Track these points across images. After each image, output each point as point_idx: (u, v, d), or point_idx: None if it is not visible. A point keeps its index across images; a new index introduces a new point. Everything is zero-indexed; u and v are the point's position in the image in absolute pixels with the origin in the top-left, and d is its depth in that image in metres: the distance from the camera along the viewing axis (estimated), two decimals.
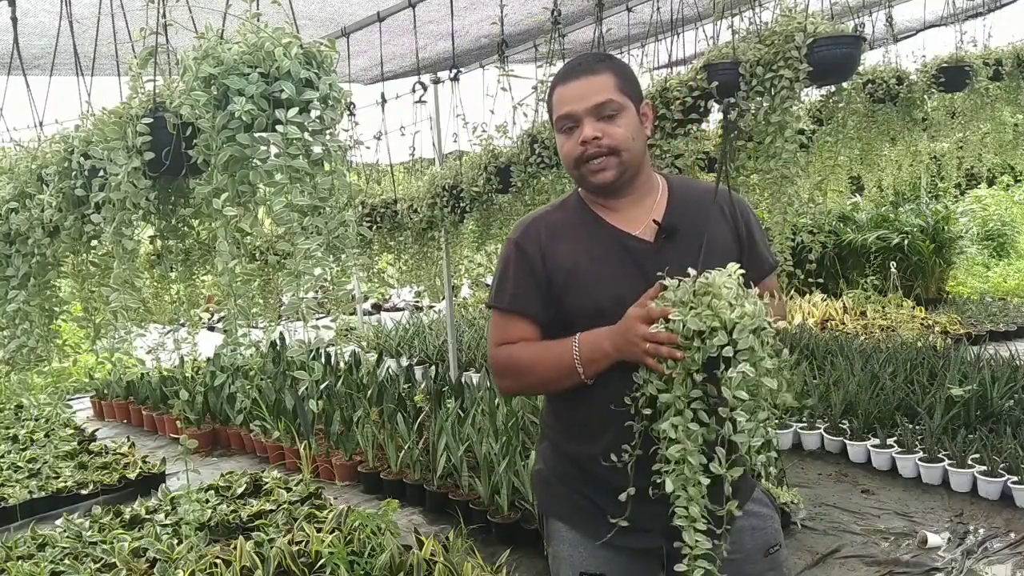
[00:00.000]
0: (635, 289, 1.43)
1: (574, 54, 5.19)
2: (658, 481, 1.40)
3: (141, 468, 4.58)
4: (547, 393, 1.65)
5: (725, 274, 1.35)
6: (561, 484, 1.64)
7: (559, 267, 1.56)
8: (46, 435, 5.21)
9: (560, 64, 3.55)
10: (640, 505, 1.46)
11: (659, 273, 1.41)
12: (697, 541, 1.36)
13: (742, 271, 1.37)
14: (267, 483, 3.96)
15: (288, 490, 3.81)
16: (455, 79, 4.38)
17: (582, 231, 1.59)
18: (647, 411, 1.40)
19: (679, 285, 1.37)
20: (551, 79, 1.67)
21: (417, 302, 11.20)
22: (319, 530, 3.09)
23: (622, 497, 1.45)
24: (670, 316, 1.33)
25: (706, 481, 1.34)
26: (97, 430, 5.78)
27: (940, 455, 3.87)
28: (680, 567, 1.38)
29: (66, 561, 3.14)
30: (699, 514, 1.36)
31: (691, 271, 1.38)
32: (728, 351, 1.28)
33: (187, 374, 6.11)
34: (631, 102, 1.54)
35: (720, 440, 1.33)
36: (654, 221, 1.55)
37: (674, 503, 1.38)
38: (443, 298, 5.93)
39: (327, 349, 6.52)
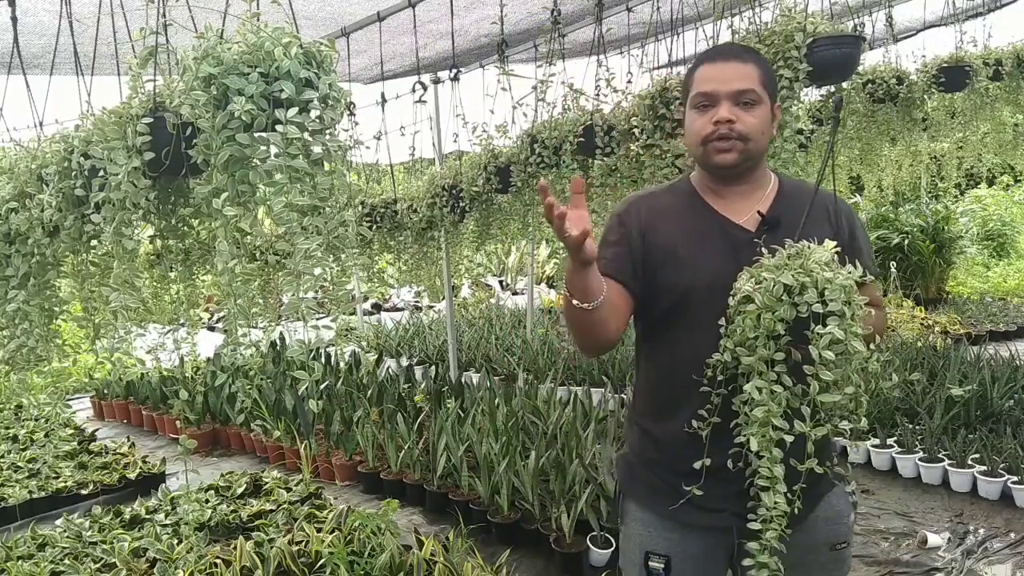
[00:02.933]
0: (728, 275, 1.46)
1: (574, 54, 5.20)
2: (740, 451, 1.42)
3: (141, 468, 4.58)
4: (582, 336, 1.60)
5: (821, 248, 1.38)
6: (644, 468, 1.68)
7: (657, 245, 1.59)
8: (46, 435, 5.21)
9: (560, 64, 3.55)
10: (715, 484, 1.51)
11: (759, 249, 1.43)
12: (776, 503, 1.38)
13: (838, 249, 1.39)
14: (267, 483, 3.96)
15: (288, 490, 3.81)
16: (455, 79, 4.38)
17: (687, 213, 1.63)
18: (722, 378, 1.43)
19: (775, 255, 1.41)
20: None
21: (417, 302, 11.20)
22: (319, 530, 3.09)
23: (696, 465, 1.49)
24: (763, 275, 1.36)
25: (789, 439, 1.35)
26: (97, 430, 5.79)
27: (940, 455, 3.87)
28: (754, 525, 1.41)
29: (66, 561, 3.14)
30: (781, 475, 1.37)
31: (788, 242, 1.41)
32: (819, 308, 1.30)
33: (187, 374, 6.11)
34: (768, 99, 1.58)
35: (807, 402, 1.35)
36: (758, 212, 1.58)
37: (756, 467, 1.40)
38: (443, 298, 5.93)
39: (327, 349, 6.52)
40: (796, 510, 1.42)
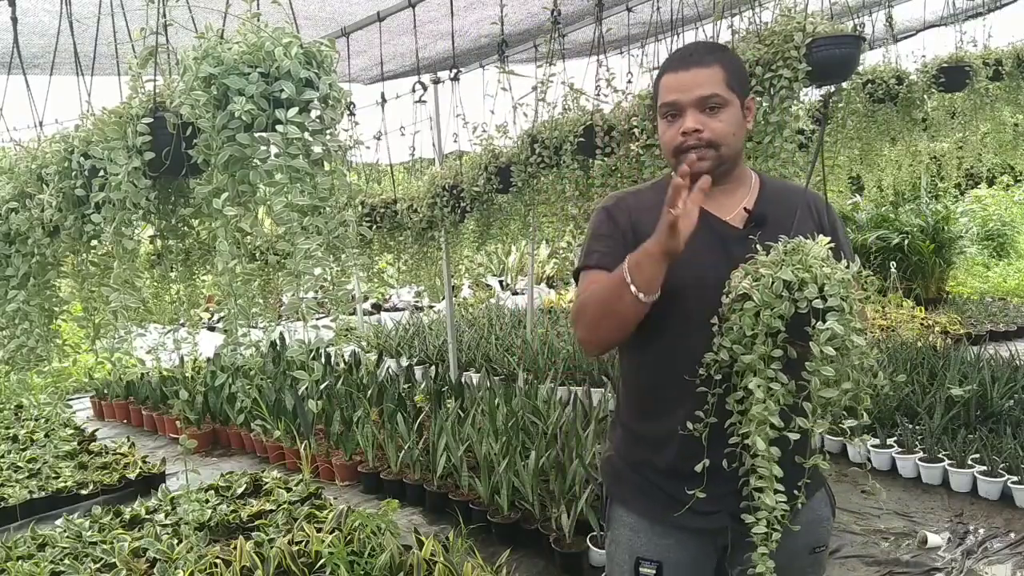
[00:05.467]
0: (718, 270, 1.45)
1: (574, 54, 5.20)
2: (735, 450, 1.42)
3: (141, 468, 4.58)
4: (612, 328, 1.56)
5: (816, 243, 1.38)
6: (631, 470, 1.66)
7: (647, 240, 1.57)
8: (46, 435, 5.22)
9: (560, 64, 3.55)
10: (709, 485, 1.49)
11: (754, 246, 1.42)
12: (777, 502, 1.37)
13: (832, 245, 1.38)
14: (267, 483, 3.96)
15: (288, 490, 3.81)
16: (455, 79, 4.38)
17: None
18: (718, 377, 1.41)
19: (770, 252, 1.40)
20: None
21: (417, 302, 11.20)
22: (319, 530, 3.10)
23: (697, 468, 1.47)
24: (761, 271, 1.35)
25: (794, 437, 1.35)
26: (97, 430, 5.79)
27: (940, 455, 3.87)
28: (758, 529, 1.40)
29: (66, 561, 3.14)
30: (779, 474, 1.37)
31: (782, 238, 1.41)
32: (818, 303, 1.30)
33: (187, 374, 6.11)
34: (736, 97, 1.55)
35: (805, 398, 1.35)
36: (744, 208, 1.57)
37: (753, 466, 1.39)
38: (443, 298, 5.93)
39: (327, 349, 6.51)
40: (800, 505, 1.41)
